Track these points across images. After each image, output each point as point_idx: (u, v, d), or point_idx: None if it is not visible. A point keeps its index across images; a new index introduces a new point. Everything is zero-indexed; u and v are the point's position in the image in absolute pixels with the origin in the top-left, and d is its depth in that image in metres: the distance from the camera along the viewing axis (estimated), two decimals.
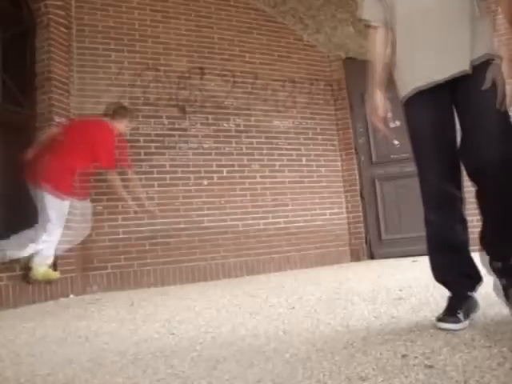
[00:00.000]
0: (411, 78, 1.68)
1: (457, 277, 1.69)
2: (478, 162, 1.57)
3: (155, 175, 4.27)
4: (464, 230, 1.70)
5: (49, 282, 3.43)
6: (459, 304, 1.61)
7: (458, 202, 1.70)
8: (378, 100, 1.79)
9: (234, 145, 4.67)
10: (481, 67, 1.58)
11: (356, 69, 5.32)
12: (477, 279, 1.69)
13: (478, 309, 1.67)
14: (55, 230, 3.34)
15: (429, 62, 1.63)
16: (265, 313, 2.23)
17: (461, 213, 1.70)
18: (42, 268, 3.32)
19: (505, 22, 5.17)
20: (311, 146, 5.10)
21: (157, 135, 4.33)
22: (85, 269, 3.88)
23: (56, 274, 3.46)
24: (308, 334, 1.71)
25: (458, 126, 1.68)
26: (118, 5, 4.41)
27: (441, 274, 1.73)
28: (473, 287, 1.69)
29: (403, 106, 1.76)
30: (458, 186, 1.70)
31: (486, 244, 1.67)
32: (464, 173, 1.69)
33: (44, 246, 3.30)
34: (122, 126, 3.74)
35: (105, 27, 4.32)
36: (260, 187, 4.72)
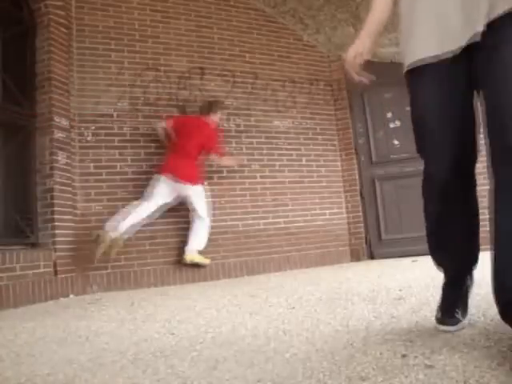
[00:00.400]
0: (410, 47, 1.45)
1: (457, 265, 1.60)
2: (504, 146, 1.24)
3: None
4: (475, 224, 1.54)
5: (107, 252, 3.74)
6: (456, 301, 1.57)
7: (470, 192, 1.49)
8: (366, 47, 1.59)
9: (233, 145, 4.68)
10: (504, 24, 1.25)
11: None
12: (475, 262, 1.61)
13: (473, 283, 1.65)
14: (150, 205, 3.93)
15: (432, 25, 1.37)
16: (265, 313, 2.23)
17: (472, 205, 1.52)
18: (110, 238, 3.73)
19: None
20: (311, 146, 5.10)
21: (157, 135, 4.33)
22: (85, 269, 3.88)
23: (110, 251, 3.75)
24: (308, 333, 1.71)
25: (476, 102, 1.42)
26: (117, 5, 4.42)
27: (441, 260, 1.63)
28: (470, 271, 1.63)
29: (405, 77, 1.52)
30: (471, 173, 1.47)
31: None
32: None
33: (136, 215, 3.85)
34: (216, 118, 4.33)
35: (105, 27, 4.32)
36: (260, 187, 4.72)
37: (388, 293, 2.46)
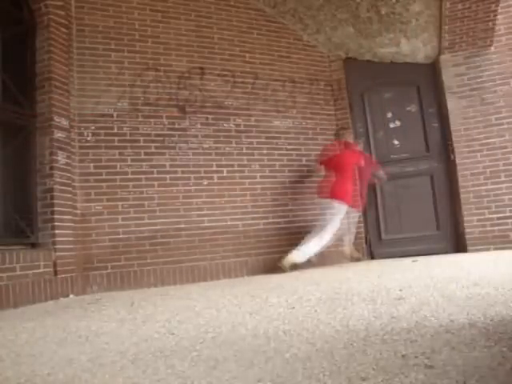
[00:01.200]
0: None
1: None
2: None
3: (155, 175, 4.27)
4: None
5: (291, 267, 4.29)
6: None
7: None
8: None
9: (233, 145, 4.68)
10: None
11: (356, 69, 5.33)
12: None
13: None
14: (330, 233, 4.44)
15: None
16: (265, 313, 2.23)
17: None
18: (299, 259, 4.32)
19: (505, 22, 5.19)
20: (311, 146, 5.10)
21: (157, 135, 4.34)
22: (85, 269, 3.88)
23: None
24: (308, 333, 1.71)
25: None
26: (117, 5, 4.41)
27: None
28: None
29: None
30: None
31: None
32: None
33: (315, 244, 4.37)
34: (350, 138, 4.93)
35: (105, 27, 4.32)
36: (260, 187, 4.72)
37: (388, 293, 2.46)
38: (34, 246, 3.59)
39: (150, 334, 1.97)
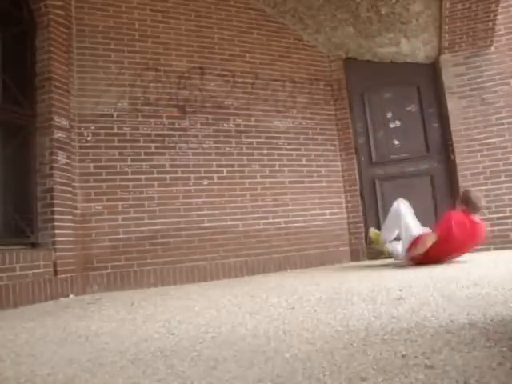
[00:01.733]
0: None
1: None
2: None
3: (155, 175, 4.28)
4: None
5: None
6: None
7: None
8: None
9: (233, 145, 4.68)
10: None
11: (356, 69, 5.33)
12: None
13: None
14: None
15: None
16: (265, 313, 2.23)
17: None
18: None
19: (505, 22, 5.18)
20: (311, 146, 5.10)
21: (157, 135, 4.34)
22: (85, 269, 3.88)
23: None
24: (308, 333, 1.71)
25: None
26: (117, 5, 4.42)
27: None
28: None
29: None
30: None
31: None
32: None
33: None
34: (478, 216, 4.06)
35: (105, 27, 4.32)
36: (260, 187, 4.72)
37: (388, 293, 2.46)
38: (34, 245, 3.59)
39: (150, 333, 1.97)
